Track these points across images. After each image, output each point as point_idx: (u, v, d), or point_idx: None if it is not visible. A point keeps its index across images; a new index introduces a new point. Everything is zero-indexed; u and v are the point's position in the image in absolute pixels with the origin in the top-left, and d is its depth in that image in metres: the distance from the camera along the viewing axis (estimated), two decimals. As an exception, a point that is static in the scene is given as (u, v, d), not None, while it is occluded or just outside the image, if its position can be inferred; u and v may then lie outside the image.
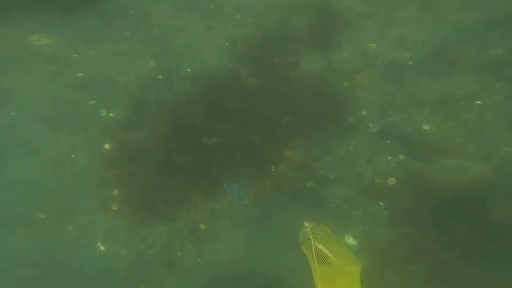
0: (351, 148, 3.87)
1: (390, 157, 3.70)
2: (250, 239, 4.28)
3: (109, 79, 4.79)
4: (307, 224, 3.08)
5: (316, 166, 3.99)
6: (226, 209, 4.40)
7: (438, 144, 3.59)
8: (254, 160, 4.42)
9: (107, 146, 4.62)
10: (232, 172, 4.45)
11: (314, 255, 2.89)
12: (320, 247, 2.93)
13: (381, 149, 3.74)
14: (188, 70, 4.89)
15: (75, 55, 4.87)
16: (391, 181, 3.64)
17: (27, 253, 3.94)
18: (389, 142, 3.71)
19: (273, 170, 4.21)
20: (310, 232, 2.99)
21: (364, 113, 3.87)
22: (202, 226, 4.51)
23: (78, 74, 4.77)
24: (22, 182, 4.21)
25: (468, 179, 3.33)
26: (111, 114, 4.63)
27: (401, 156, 3.66)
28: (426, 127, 3.65)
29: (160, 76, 4.94)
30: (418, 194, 3.53)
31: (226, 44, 4.75)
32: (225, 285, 4.33)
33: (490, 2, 3.91)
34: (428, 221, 3.60)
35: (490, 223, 3.34)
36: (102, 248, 4.43)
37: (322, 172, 3.96)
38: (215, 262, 4.38)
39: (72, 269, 3.95)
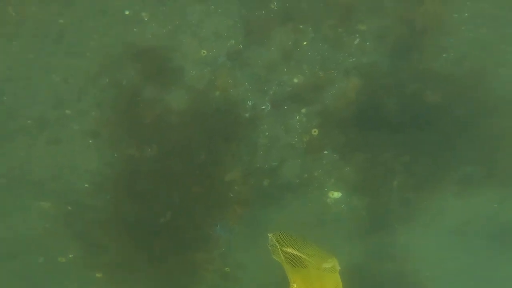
0: (267, 133, 4.02)
1: (298, 116, 3.93)
2: (261, 251, 4.68)
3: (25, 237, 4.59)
4: (271, 235, 3.03)
5: (257, 166, 4.19)
6: (228, 246, 4.66)
7: (313, 84, 3.79)
8: (210, 202, 4.49)
9: (98, 275, 4.79)
10: (205, 222, 4.56)
11: (285, 260, 2.77)
12: (290, 250, 2.82)
13: (286, 116, 3.92)
14: (86, 185, 4.43)
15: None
16: (315, 131, 3.96)
17: None
18: (285, 107, 3.92)
19: (231, 195, 4.36)
20: (276, 241, 2.91)
21: (250, 103, 3.88)
22: (227, 269, 4.82)
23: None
24: None
25: (354, 93, 3.77)
26: (70, 256, 4.64)
27: (303, 110, 3.90)
28: (295, 80, 3.77)
29: (69, 207, 4.50)
30: (338, 125, 3.94)
31: (90, 141, 4.22)
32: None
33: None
34: (358, 139, 4.11)
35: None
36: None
37: (266, 166, 4.19)
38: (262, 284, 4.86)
39: None
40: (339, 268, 2.89)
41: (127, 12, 3.57)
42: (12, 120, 4.04)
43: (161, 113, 3.94)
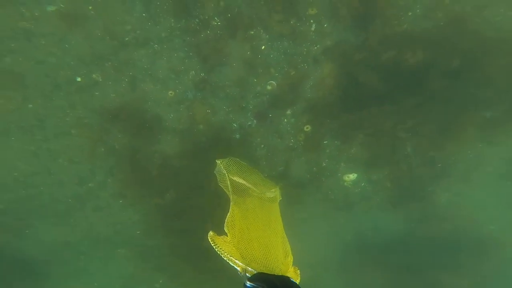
0: (262, 145, 3.43)
1: (285, 119, 3.29)
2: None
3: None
4: (219, 162, 2.46)
5: (266, 175, 3.66)
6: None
7: (288, 84, 3.12)
8: None
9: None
10: None
11: (231, 188, 2.25)
12: (236, 179, 2.34)
13: (274, 123, 3.31)
14: (138, 232, 4.45)
15: None
16: (307, 128, 3.30)
17: None
18: (270, 115, 3.21)
19: None
20: (223, 168, 2.38)
21: (235, 124, 3.30)
22: None
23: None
24: None
25: (333, 78, 2.98)
26: (160, 281, 4.85)
27: (288, 111, 3.22)
28: (268, 87, 3.10)
29: (140, 249, 4.61)
30: (327, 113, 3.25)
31: (120, 201, 4.07)
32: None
33: None
34: (353, 120, 3.31)
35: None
36: None
37: (274, 173, 3.62)
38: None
39: None
40: (280, 198, 2.46)
41: (79, 79, 3.06)
42: (57, 203, 4.04)
43: (162, 162, 3.61)
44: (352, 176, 3.52)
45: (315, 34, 2.84)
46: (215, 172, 2.48)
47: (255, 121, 3.27)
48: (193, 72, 3.07)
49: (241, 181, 2.36)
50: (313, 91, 3.10)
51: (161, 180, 3.75)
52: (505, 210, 4.22)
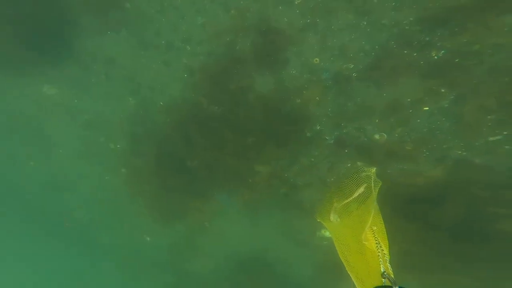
0: (312, 159, 3.57)
1: (349, 164, 3.41)
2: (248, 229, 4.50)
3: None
4: (373, 170, 2.53)
5: (286, 175, 3.82)
6: (222, 212, 4.48)
7: (392, 150, 3.16)
8: (231, 173, 4.22)
9: (123, 170, 5.12)
10: (217, 186, 4.35)
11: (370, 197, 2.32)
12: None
13: (340, 158, 3.43)
14: (161, 103, 4.34)
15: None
16: None
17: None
18: (346, 151, 3.38)
19: (250, 180, 4.05)
20: (375, 178, 2.43)
21: (318, 127, 3.38)
22: (207, 224, 4.73)
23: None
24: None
25: (423, 181, 3.05)
26: (118, 146, 4.93)
27: (359, 163, 3.35)
28: (376, 136, 3.16)
29: (141, 112, 4.49)
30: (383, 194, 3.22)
31: (185, 75, 3.99)
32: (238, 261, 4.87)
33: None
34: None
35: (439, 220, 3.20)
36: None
37: (292, 180, 3.82)
38: (226, 247, 4.79)
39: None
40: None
41: None
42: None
43: (243, 86, 3.58)
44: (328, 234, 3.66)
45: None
46: (365, 171, 2.63)
47: (333, 140, 3.38)
48: (352, 65, 3.08)
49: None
50: (394, 176, 3.19)
51: (224, 94, 3.72)
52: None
